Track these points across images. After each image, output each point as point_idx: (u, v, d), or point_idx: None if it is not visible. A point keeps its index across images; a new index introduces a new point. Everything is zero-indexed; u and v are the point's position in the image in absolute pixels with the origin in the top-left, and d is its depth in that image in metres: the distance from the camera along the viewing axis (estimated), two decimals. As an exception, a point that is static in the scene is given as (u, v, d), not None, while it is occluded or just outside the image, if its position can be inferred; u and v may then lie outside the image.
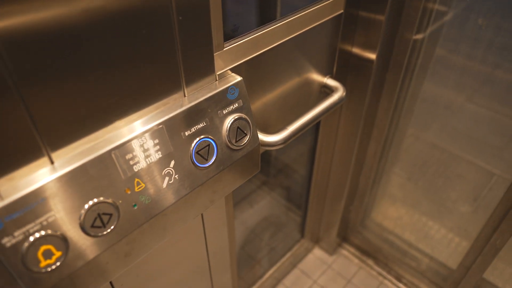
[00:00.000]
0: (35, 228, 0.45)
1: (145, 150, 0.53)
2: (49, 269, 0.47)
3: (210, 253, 0.93)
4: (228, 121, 0.62)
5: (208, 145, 0.61)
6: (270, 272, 1.44)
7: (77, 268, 0.50)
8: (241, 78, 0.63)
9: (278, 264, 1.47)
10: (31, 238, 0.45)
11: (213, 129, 0.61)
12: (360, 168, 1.33)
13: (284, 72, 0.80)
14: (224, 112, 0.62)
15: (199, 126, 0.59)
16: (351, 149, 1.21)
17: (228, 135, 0.63)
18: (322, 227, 1.56)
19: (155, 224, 0.58)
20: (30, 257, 0.45)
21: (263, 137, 0.76)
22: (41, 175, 0.46)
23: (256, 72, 0.73)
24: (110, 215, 0.51)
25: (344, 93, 0.91)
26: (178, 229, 0.63)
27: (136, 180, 0.53)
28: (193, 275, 0.94)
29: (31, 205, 0.44)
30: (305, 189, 1.38)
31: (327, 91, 0.95)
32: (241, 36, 0.65)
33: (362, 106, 1.08)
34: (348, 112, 1.13)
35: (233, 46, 0.63)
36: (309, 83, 0.90)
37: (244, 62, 0.68)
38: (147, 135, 0.53)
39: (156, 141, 0.54)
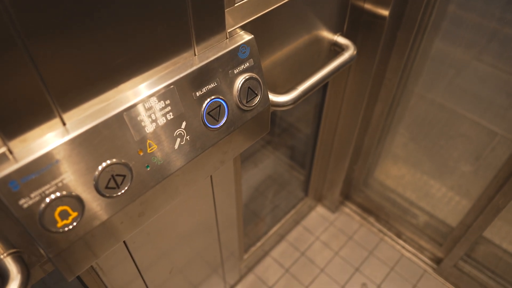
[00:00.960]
0: (51, 190, 0.45)
1: (156, 111, 0.52)
2: (66, 229, 0.48)
3: (218, 210, 0.95)
4: (239, 81, 0.61)
5: (219, 105, 0.60)
6: (274, 229, 1.48)
7: (93, 227, 0.51)
8: (252, 36, 0.61)
9: (282, 221, 1.50)
10: (47, 200, 0.45)
11: (224, 89, 0.59)
12: (366, 128, 1.33)
13: (294, 30, 0.77)
14: (235, 71, 0.60)
15: (210, 86, 0.58)
16: (358, 108, 1.19)
17: (239, 95, 0.62)
18: (325, 185, 1.58)
19: (167, 185, 0.58)
20: (47, 218, 0.46)
21: (273, 97, 0.74)
22: (54, 137, 0.45)
23: (265, 30, 0.70)
24: (124, 176, 0.51)
25: (355, 52, 0.89)
26: (189, 189, 0.63)
27: (148, 141, 0.53)
28: (202, 231, 0.96)
29: (46, 167, 0.44)
30: (310, 148, 1.39)
31: (337, 49, 0.92)
32: (252, -9, 0.62)
33: (371, 65, 1.05)
34: (357, 70, 1.11)
35: (244, 2, 0.60)
36: (319, 41, 0.87)
37: (254, 19, 0.65)
38: (158, 95, 0.52)
39: (168, 101, 0.53)
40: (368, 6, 0.94)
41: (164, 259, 0.89)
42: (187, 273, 1.03)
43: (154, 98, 0.52)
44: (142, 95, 0.51)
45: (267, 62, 0.75)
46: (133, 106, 0.50)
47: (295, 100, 0.76)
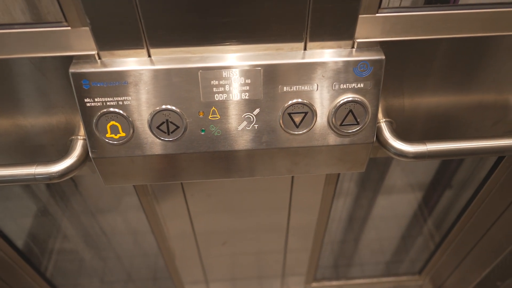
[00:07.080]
0: (112, 104, 0.50)
1: (233, 85, 0.51)
2: (111, 142, 0.53)
3: (290, 225, 0.89)
4: (340, 99, 0.52)
5: (306, 113, 0.53)
6: (361, 281, 1.30)
7: (134, 155, 0.54)
8: (383, 57, 0.50)
9: (374, 280, 1.30)
10: (105, 110, 0.50)
11: (318, 98, 0.52)
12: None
13: (462, 76, 0.60)
14: (341, 86, 0.52)
15: (302, 88, 0.51)
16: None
17: (334, 114, 0.53)
18: (453, 275, 1.27)
19: (218, 159, 0.57)
20: (101, 125, 0.51)
21: (390, 138, 0.61)
22: (133, 62, 0.49)
23: (421, 61, 0.57)
24: (177, 127, 0.53)
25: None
26: (241, 176, 0.60)
27: (213, 108, 0.52)
28: (268, 231, 0.92)
29: (115, 83, 0.49)
30: (447, 224, 1.12)
31: (528, 129, 0.68)
32: (407, 8, 0.50)
33: None
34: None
35: (390, 16, 0.49)
36: (502, 106, 0.66)
37: (405, 40, 0.53)
38: (241, 70, 0.50)
39: (248, 81, 0.51)
40: None
41: (220, 230, 0.90)
42: (241, 258, 1.02)
43: (236, 71, 0.50)
44: (225, 63, 0.50)
45: (408, 101, 0.62)
46: (212, 68, 0.49)
47: (417, 156, 0.61)
